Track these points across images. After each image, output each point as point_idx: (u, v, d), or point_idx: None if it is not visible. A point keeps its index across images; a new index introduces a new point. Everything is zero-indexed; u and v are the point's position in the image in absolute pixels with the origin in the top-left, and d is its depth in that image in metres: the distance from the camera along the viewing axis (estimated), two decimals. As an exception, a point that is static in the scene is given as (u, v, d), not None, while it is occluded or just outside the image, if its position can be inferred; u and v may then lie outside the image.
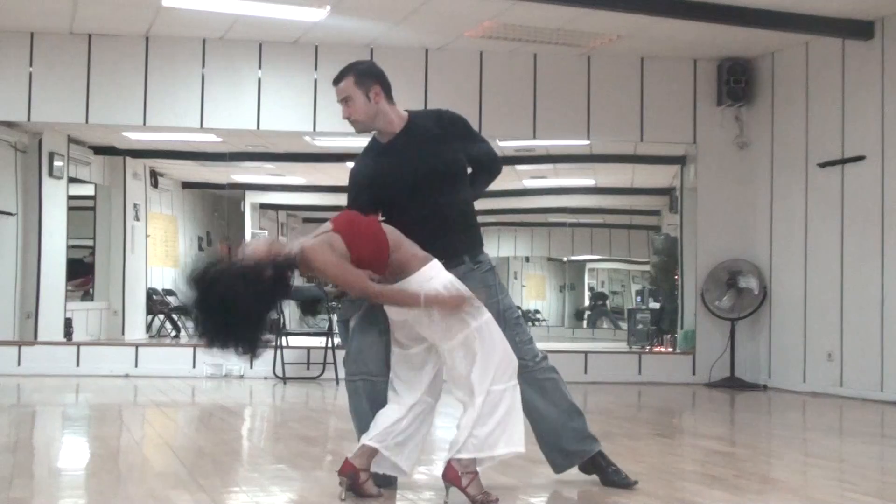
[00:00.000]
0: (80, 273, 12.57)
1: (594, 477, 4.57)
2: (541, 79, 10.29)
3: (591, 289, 16.95)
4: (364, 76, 4.46)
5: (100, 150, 12.64)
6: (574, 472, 4.63)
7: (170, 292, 14.47)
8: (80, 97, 9.82)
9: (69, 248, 11.59)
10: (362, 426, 4.19)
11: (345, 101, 4.41)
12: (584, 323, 16.73)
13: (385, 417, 4.10)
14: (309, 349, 10.18)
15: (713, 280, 10.20)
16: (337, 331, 11.08)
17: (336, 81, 4.47)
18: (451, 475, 3.99)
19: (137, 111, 9.93)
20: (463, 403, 4.04)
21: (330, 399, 8.69)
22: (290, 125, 10.35)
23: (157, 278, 14.22)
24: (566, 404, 4.45)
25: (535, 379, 4.36)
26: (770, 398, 9.27)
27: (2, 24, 9.52)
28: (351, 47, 10.00)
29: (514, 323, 4.34)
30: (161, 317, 14.18)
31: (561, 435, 4.41)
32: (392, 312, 4.07)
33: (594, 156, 12.20)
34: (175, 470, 4.79)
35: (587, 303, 16.81)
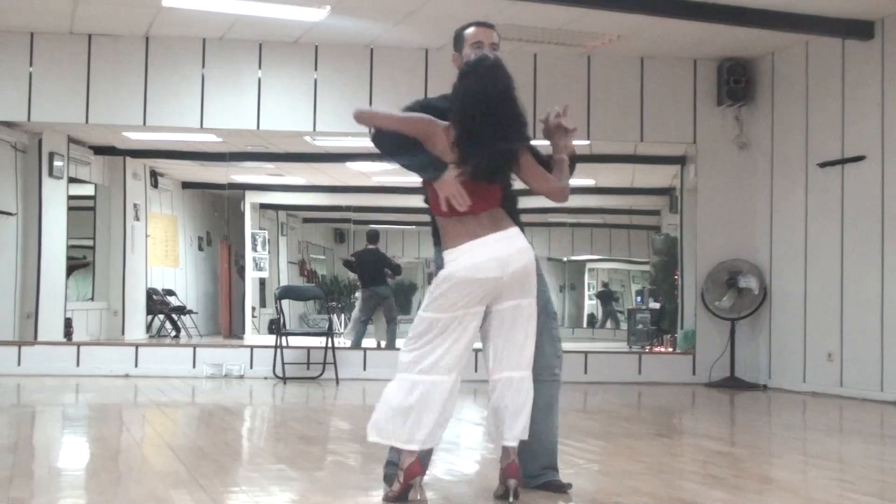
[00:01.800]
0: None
1: (593, 478, 4.56)
2: (541, 79, 10.27)
3: (605, 284, 16.99)
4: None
5: (100, 150, 12.66)
6: (573, 473, 4.62)
7: (170, 292, 14.48)
8: (80, 97, 9.82)
9: (69, 248, 11.61)
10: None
11: (493, 46, 4.24)
12: (585, 322, 16.75)
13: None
14: (309, 349, 10.17)
15: (713, 280, 10.20)
16: (339, 331, 11.08)
17: (486, 25, 4.31)
18: (516, 471, 3.93)
19: (137, 111, 9.92)
20: (498, 381, 3.94)
21: (330, 399, 8.69)
22: (290, 125, 10.35)
23: (157, 278, 14.23)
24: (550, 438, 4.26)
25: (539, 393, 4.14)
26: (770, 398, 9.27)
27: (2, 24, 9.52)
28: (351, 47, 10.01)
29: (553, 316, 4.31)
30: (161, 317, 14.19)
31: (528, 461, 4.14)
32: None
33: (594, 156, 12.19)
34: (175, 470, 4.79)
35: (591, 301, 16.82)
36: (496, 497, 4.02)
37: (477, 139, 3.86)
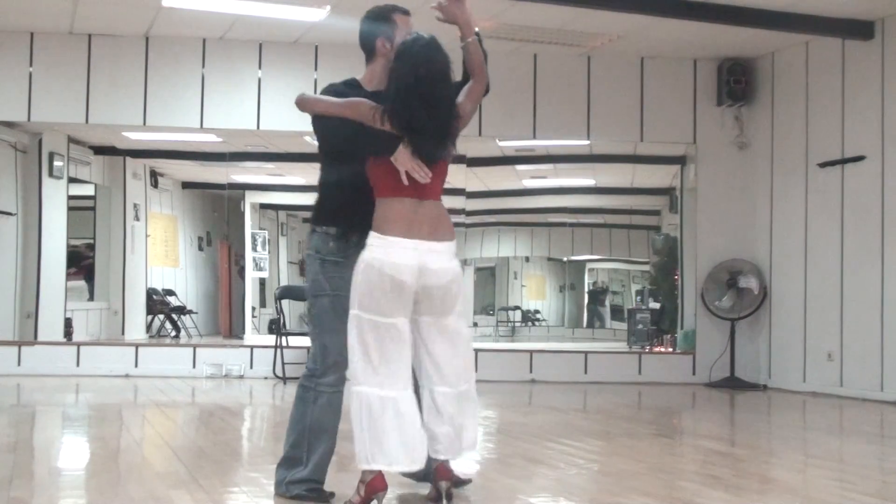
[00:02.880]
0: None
1: (593, 478, 4.55)
2: (541, 79, 10.28)
3: (594, 283, 17.00)
4: None
5: (100, 150, 12.63)
6: (572, 473, 4.62)
7: (170, 292, 14.48)
8: (80, 97, 9.82)
9: (69, 248, 11.59)
10: None
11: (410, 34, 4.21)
12: (585, 322, 16.75)
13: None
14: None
15: (713, 280, 10.20)
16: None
17: (408, 13, 4.41)
18: (447, 473, 3.95)
19: (137, 111, 9.93)
20: (437, 393, 3.90)
21: (330, 399, 8.67)
22: (290, 125, 10.33)
23: (157, 278, 14.22)
24: None
25: None
26: (770, 398, 9.27)
27: (2, 24, 9.52)
28: (351, 47, 9.91)
29: None
30: (161, 317, 14.18)
31: None
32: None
33: (594, 156, 12.19)
34: (175, 470, 4.79)
35: (586, 300, 16.85)
36: (428, 499, 4.01)
37: (413, 120, 3.76)
